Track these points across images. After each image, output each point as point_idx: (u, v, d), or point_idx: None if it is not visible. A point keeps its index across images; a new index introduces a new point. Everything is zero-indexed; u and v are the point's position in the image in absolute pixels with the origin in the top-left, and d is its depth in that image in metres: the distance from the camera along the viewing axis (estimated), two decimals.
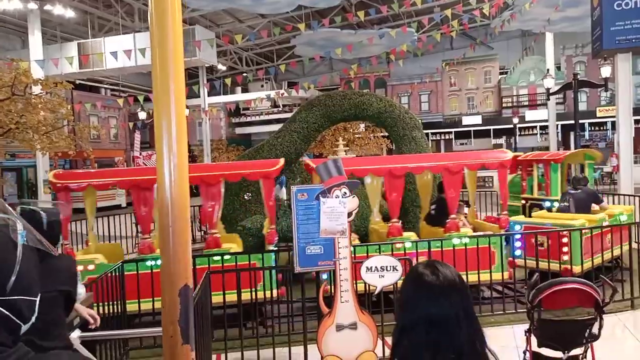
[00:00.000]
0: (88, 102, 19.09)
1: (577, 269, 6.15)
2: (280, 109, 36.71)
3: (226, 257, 5.43)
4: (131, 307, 5.25)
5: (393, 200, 6.23)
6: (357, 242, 6.04)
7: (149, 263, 5.37)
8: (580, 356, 3.30)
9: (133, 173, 6.05)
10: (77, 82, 27.75)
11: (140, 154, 27.64)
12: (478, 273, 5.59)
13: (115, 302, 4.69)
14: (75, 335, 2.87)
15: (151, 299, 5.12)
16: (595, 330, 3.21)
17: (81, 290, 3.37)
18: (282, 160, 6.43)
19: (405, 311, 1.38)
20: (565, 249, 6.13)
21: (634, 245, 6.86)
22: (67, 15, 20.95)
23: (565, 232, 6.12)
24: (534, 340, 3.35)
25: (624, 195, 10.64)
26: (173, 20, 1.58)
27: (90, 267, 5.40)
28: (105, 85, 32.40)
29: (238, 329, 4.75)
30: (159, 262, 4.90)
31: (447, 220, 6.30)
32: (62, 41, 23.93)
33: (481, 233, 6.56)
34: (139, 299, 5.23)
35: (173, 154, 1.57)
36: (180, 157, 1.58)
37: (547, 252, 6.19)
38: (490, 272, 5.77)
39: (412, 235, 6.41)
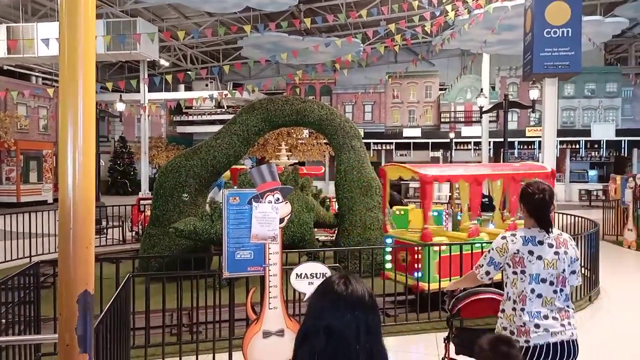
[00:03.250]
0: (14, 90, 17.85)
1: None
2: (224, 109, 36.04)
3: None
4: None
5: None
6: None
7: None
8: None
9: (470, 169, 7.49)
10: (5, 67, 25.96)
11: None
12: None
13: None
14: None
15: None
16: None
17: None
18: None
19: (309, 317, 1.36)
20: None
21: None
22: None
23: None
24: (452, 348, 3.46)
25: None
26: (85, 7, 1.47)
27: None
28: (37, 74, 30.47)
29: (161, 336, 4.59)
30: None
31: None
32: None
33: None
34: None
35: (79, 151, 1.44)
36: (86, 155, 1.46)
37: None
38: None
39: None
